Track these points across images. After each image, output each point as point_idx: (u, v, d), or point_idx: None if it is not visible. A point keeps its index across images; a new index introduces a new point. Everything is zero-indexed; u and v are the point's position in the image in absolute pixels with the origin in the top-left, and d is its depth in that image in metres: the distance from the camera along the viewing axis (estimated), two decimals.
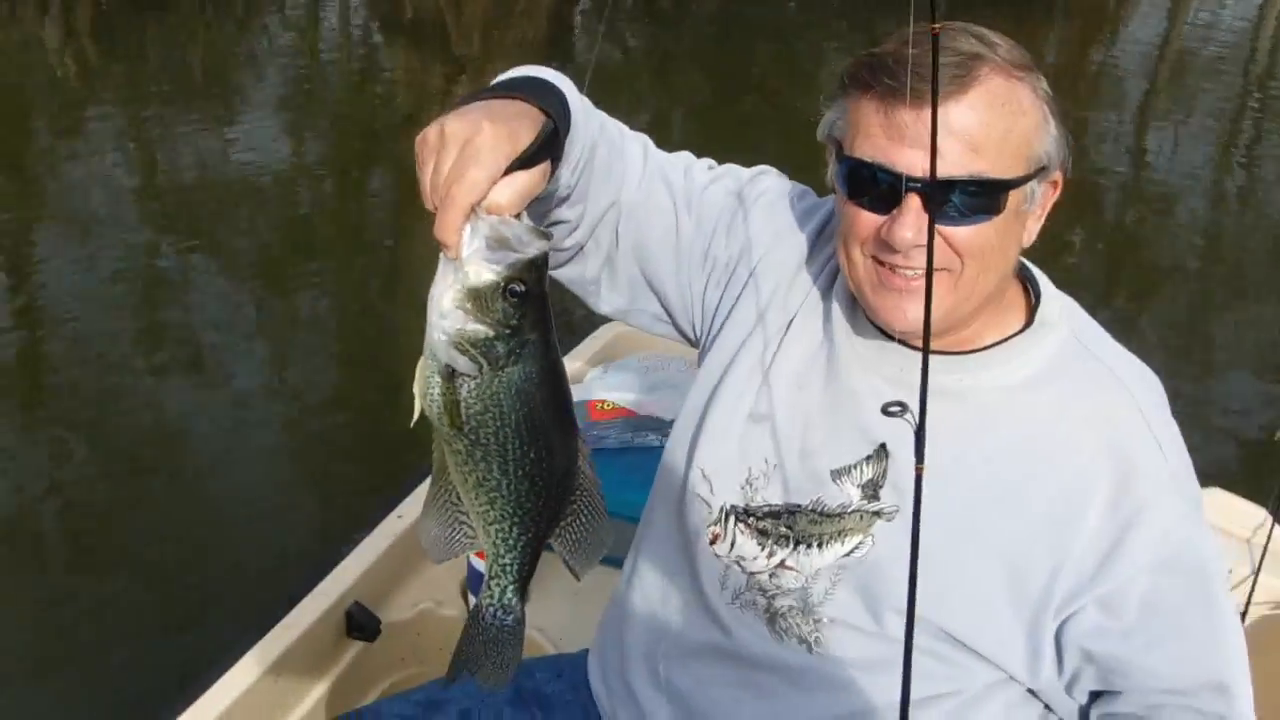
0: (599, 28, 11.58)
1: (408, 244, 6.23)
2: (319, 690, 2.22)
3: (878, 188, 1.30)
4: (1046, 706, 1.50)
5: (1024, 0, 13.46)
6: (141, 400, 4.74)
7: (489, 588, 1.24)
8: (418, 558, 2.47)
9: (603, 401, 2.73)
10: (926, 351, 1.18)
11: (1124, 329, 5.75)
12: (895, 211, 1.28)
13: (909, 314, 1.32)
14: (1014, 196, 1.29)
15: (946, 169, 1.24)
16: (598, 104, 1.41)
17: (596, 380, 2.82)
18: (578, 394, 2.72)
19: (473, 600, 2.44)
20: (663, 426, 2.70)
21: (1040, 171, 1.31)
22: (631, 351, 2.98)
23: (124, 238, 6.17)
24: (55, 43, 10.14)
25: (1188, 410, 4.96)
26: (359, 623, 2.26)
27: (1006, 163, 1.27)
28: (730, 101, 9.74)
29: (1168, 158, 9.10)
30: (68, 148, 7.51)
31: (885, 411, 1.20)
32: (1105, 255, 7.22)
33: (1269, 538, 2.41)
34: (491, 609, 1.25)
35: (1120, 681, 1.40)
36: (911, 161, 1.25)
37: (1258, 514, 2.59)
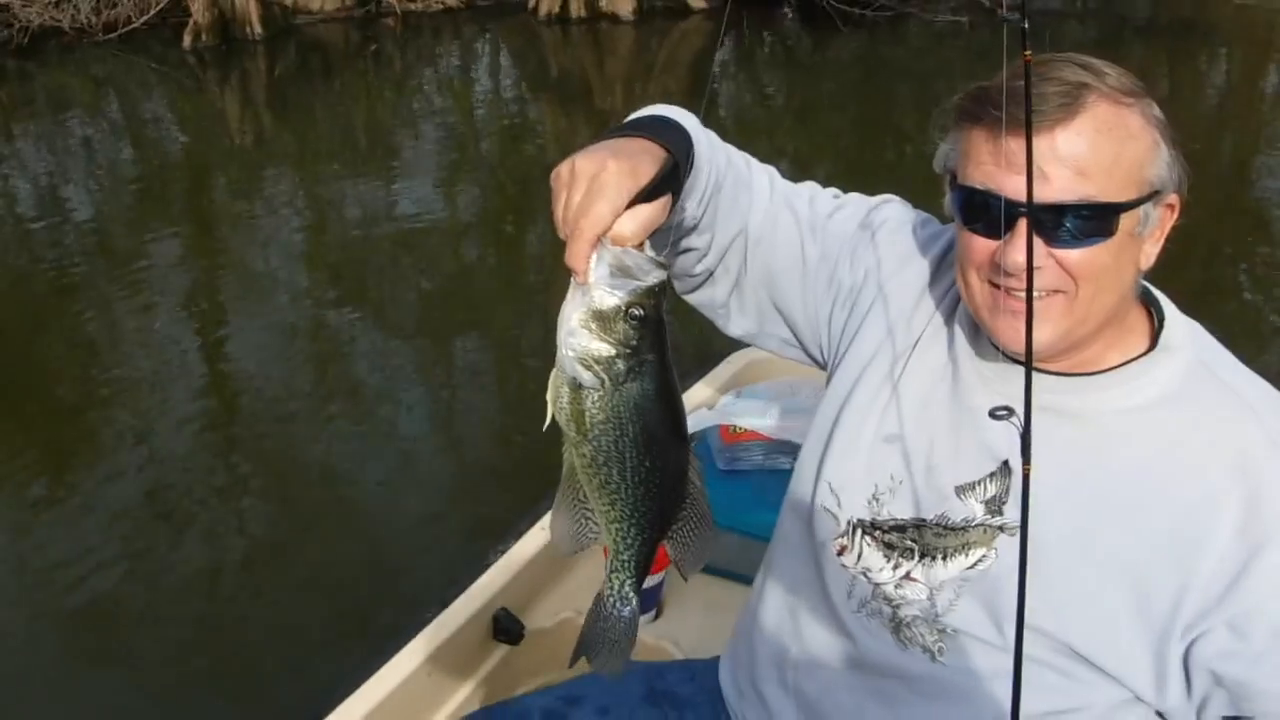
0: (716, 61, 11.70)
1: (557, 291, 6.43)
2: (467, 688, 2.36)
3: (989, 214, 1.33)
4: None
5: (1180, 32, 13.16)
6: (315, 443, 5.07)
7: (610, 580, 1.34)
8: (560, 569, 2.61)
9: (735, 426, 2.85)
10: (1029, 359, 1.22)
11: None
12: (1008, 236, 1.32)
13: (1022, 333, 1.33)
14: (1126, 220, 1.31)
15: (1056, 194, 1.28)
16: (739, 148, 1.51)
17: (729, 405, 2.90)
18: (711, 419, 2.81)
19: None
20: (794, 450, 2.76)
21: (1153, 195, 1.32)
22: (763, 378, 3.06)
23: (298, 293, 6.58)
24: (235, 111, 10.83)
25: None
26: (505, 627, 2.40)
27: (1117, 186, 1.29)
28: (871, 144, 9.76)
29: None
30: (246, 208, 8.03)
31: (992, 415, 1.25)
32: (1234, 281, 6.97)
33: None
34: (611, 599, 1.35)
35: (1249, 707, 1.38)
36: (1019, 187, 1.26)
37: None
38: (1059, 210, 1.29)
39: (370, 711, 2.12)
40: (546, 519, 2.59)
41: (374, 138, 9.98)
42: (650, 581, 2.46)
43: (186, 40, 12.42)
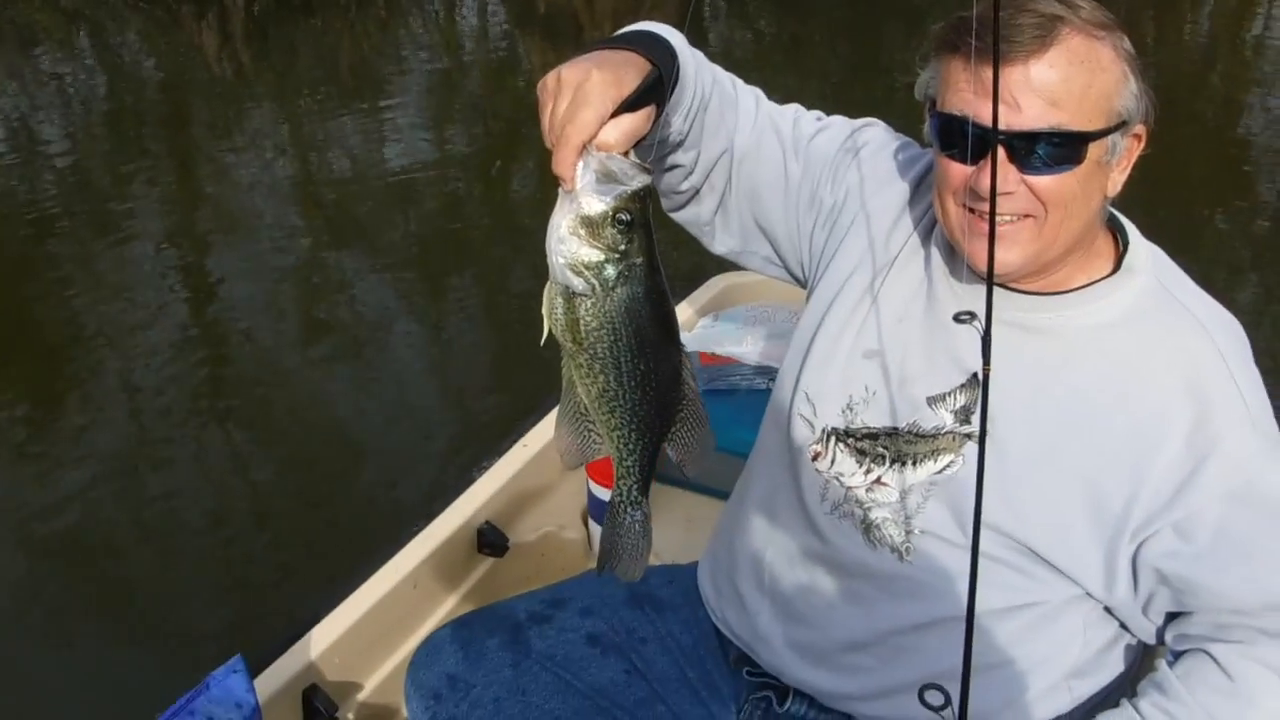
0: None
1: (546, 226, 6.44)
2: (453, 599, 2.43)
3: (964, 140, 1.39)
4: (1123, 626, 1.58)
5: None
6: (304, 373, 5.12)
7: (618, 488, 1.39)
8: (542, 484, 2.67)
9: (713, 348, 2.89)
10: (991, 270, 1.28)
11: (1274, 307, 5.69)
12: (982, 161, 1.38)
13: (998, 256, 1.40)
14: (1094, 149, 1.36)
15: (1028, 122, 1.33)
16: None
17: (706, 328, 2.95)
18: (689, 343, 2.87)
19: (593, 525, 2.64)
20: (770, 372, 2.83)
21: (1121, 125, 1.37)
22: (741, 301, 3.11)
23: (283, 232, 6.56)
24: (213, 48, 10.70)
25: None
26: (489, 540, 2.47)
27: (1086, 116, 1.34)
28: (861, 81, 9.70)
29: None
30: (228, 146, 7.97)
31: (956, 319, 1.31)
32: (1258, 236, 7.02)
33: None
34: (622, 505, 1.40)
35: (1191, 602, 1.48)
36: (994, 115, 1.31)
37: None
38: (1031, 138, 1.35)
39: (357, 621, 2.18)
40: (529, 436, 2.65)
41: (359, 75, 9.89)
42: None
43: None
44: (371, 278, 6.02)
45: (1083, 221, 1.42)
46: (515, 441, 2.64)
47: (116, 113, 9.02)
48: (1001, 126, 1.34)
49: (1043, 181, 1.36)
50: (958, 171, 1.42)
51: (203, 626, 3.53)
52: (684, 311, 3.11)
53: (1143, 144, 1.43)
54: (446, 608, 2.41)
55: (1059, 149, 1.35)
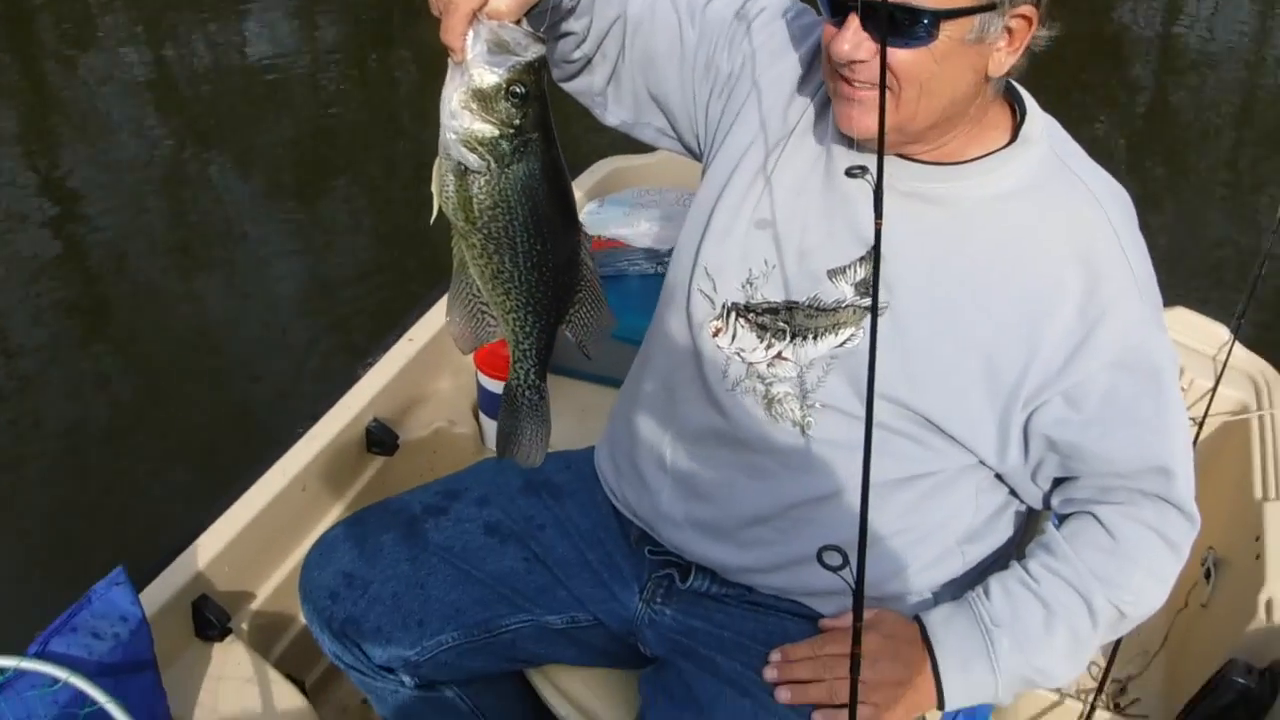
0: None
1: (427, 119, 6.27)
2: (345, 501, 2.38)
3: (829, 6, 1.39)
4: (1012, 492, 1.63)
5: None
6: (173, 283, 4.90)
7: (515, 371, 1.36)
8: (430, 379, 2.63)
9: (599, 233, 2.85)
10: (882, 123, 1.24)
11: (1155, 191, 5.83)
12: (842, 28, 1.36)
13: (857, 121, 1.41)
14: (953, 27, 1.33)
15: None
16: None
17: (593, 213, 2.91)
18: None
19: (484, 419, 2.61)
20: (657, 256, 2.81)
21: (989, 7, 1.33)
22: (626, 185, 3.08)
23: (143, 135, 6.23)
24: None
25: (1200, 255, 5.08)
26: (378, 438, 2.41)
27: None
28: None
29: (1205, 20, 8.89)
30: (74, 47, 7.53)
31: (847, 173, 1.28)
32: (1139, 120, 7.17)
33: (1229, 353, 2.57)
34: (519, 388, 1.37)
35: (1078, 466, 1.52)
36: None
37: (1222, 332, 2.80)
38: (878, 8, 1.32)
39: (245, 528, 2.12)
40: (413, 330, 2.60)
41: None
42: None
43: None
44: (239, 177, 5.79)
45: (946, 99, 1.40)
46: (400, 336, 2.58)
47: None
48: None
49: (896, 55, 1.34)
50: (829, 32, 1.41)
51: (84, 543, 3.42)
52: None
53: (1033, 25, 1.39)
54: (337, 510, 2.36)
55: (907, 25, 1.33)
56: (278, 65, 7.12)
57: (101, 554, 3.19)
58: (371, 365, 2.49)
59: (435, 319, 2.63)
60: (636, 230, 2.88)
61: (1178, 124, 7.06)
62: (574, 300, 1.31)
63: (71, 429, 4.02)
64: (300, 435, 2.31)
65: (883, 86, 1.24)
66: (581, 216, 2.89)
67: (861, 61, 1.36)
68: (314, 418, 2.35)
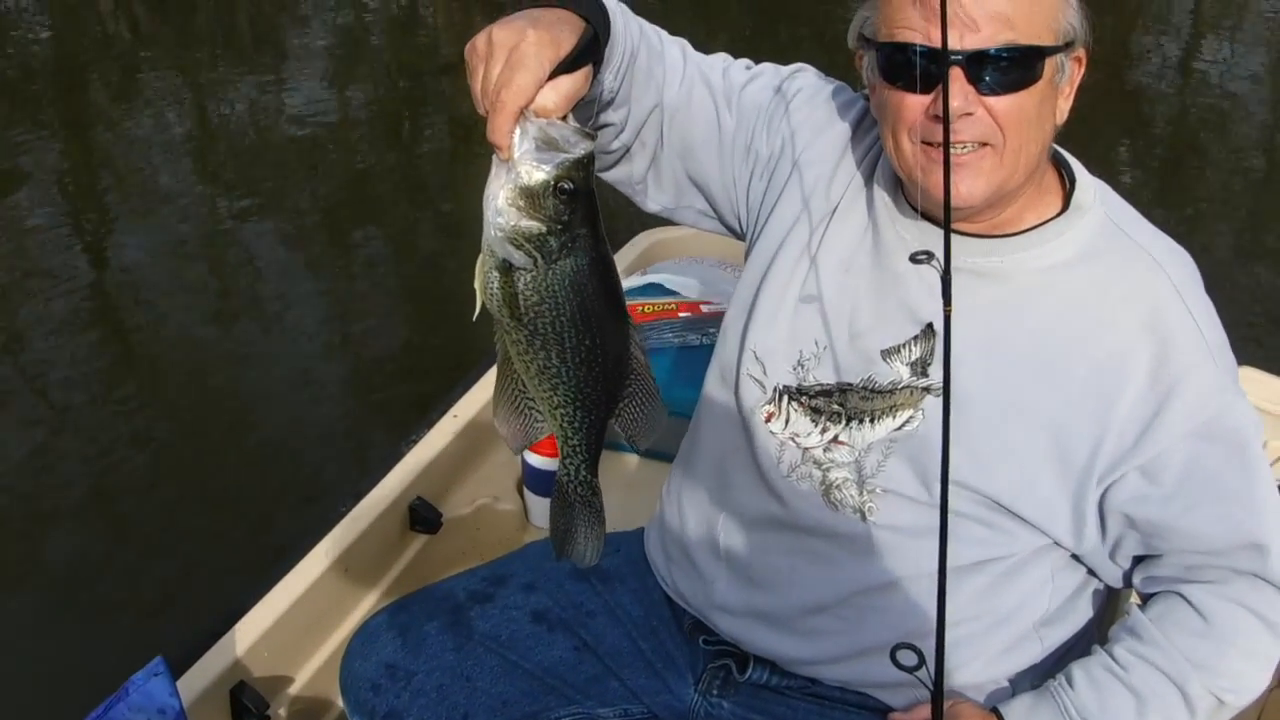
0: None
1: (458, 185, 6.35)
2: (387, 580, 2.35)
3: (914, 68, 1.33)
4: (1090, 571, 1.57)
5: None
6: (211, 344, 4.92)
7: (565, 467, 1.33)
8: (475, 455, 2.60)
9: (643, 305, 2.82)
10: (948, 201, 1.23)
11: (1182, 238, 5.76)
12: (938, 88, 1.32)
13: (961, 188, 1.35)
14: (1048, 66, 1.33)
15: (982, 42, 1.30)
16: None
17: (635, 286, 2.90)
18: None
19: (529, 495, 2.56)
20: (702, 325, 2.78)
21: (1068, 45, 1.35)
22: (668, 256, 3.08)
23: (185, 196, 6.31)
24: (107, 4, 10.29)
25: (1245, 302, 4.99)
26: (421, 516, 2.39)
27: (1038, 31, 1.32)
28: (768, 32, 9.69)
29: (1221, 67, 8.89)
30: (125, 109, 7.66)
31: (913, 259, 1.26)
32: (1160, 168, 7.14)
33: None
34: (570, 485, 1.34)
35: (1160, 544, 1.47)
36: (947, 38, 1.27)
37: None
38: (987, 56, 1.30)
39: (285, 612, 2.10)
40: (458, 406, 2.57)
41: (259, 32, 9.59)
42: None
43: None
44: (277, 241, 5.83)
45: (1039, 148, 1.39)
46: (444, 413, 2.55)
47: (5, 74, 8.61)
48: (956, 47, 1.29)
49: (1001, 103, 1.32)
50: (912, 104, 1.36)
51: (119, 625, 3.38)
52: None
53: (1083, 67, 1.40)
54: (380, 591, 2.33)
55: (1016, 65, 1.31)
56: (315, 128, 7.22)
57: (139, 635, 3.18)
58: (415, 442, 2.47)
59: (479, 395, 2.60)
60: (680, 299, 2.86)
61: (1210, 176, 7.00)
62: (625, 394, 1.28)
63: (107, 500, 4.00)
64: (343, 514, 2.28)
65: (947, 160, 1.21)
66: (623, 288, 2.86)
67: (968, 116, 1.32)
68: (357, 495, 2.32)
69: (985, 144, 1.35)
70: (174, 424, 4.42)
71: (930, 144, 1.37)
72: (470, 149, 7.10)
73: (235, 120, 7.58)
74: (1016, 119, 1.34)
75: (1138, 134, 7.41)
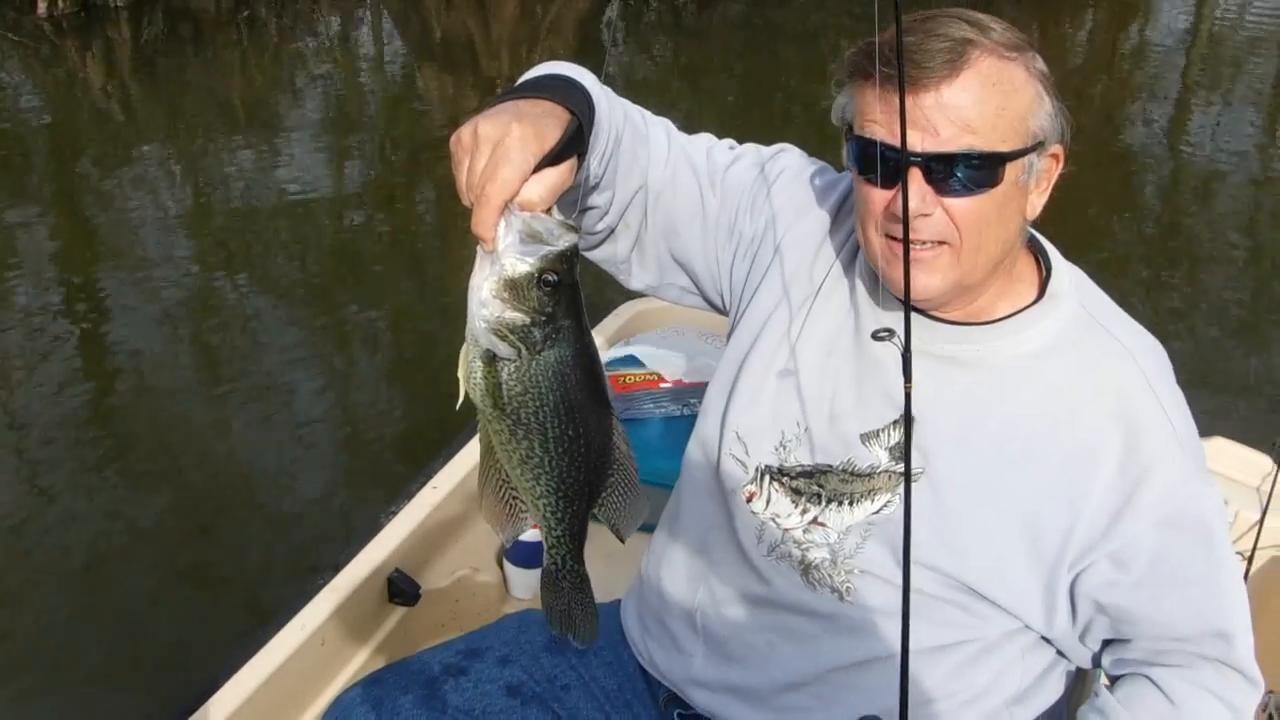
0: (615, 20, 11.68)
1: (449, 258, 6.42)
2: (365, 653, 2.33)
3: (882, 165, 1.36)
4: (1059, 652, 1.58)
5: None
6: (198, 419, 4.89)
7: (551, 557, 1.33)
8: (454, 527, 2.59)
9: (624, 376, 2.84)
10: (907, 279, 1.25)
11: (1170, 313, 5.84)
12: (899, 185, 1.33)
13: (918, 283, 1.37)
14: (1011, 169, 1.35)
15: (944, 145, 1.32)
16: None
17: (617, 357, 2.92)
18: None
19: (508, 566, 2.56)
20: (683, 396, 2.81)
21: (1037, 146, 1.36)
22: (650, 328, 3.09)
23: (178, 269, 6.33)
24: (99, 80, 10.39)
25: (1224, 380, 5.05)
26: (400, 588, 2.37)
27: (1001, 137, 1.33)
28: (759, 103, 9.83)
29: (1208, 141, 9.02)
30: (117, 184, 7.71)
31: (874, 337, 1.29)
32: (1149, 242, 7.22)
33: (1274, 482, 2.48)
34: (557, 573, 1.35)
35: (1129, 630, 1.49)
36: (911, 140, 1.30)
37: (1265, 461, 2.69)
38: (947, 160, 1.33)
39: (262, 684, 2.07)
40: (438, 478, 2.57)
41: (252, 108, 9.66)
42: (536, 537, 2.44)
43: (41, 7, 11.74)
44: (267, 314, 5.84)
45: (1001, 246, 1.41)
46: (423, 484, 2.55)
47: None
48: (918, 149, 1.32)
49: (960, 205, 1.34)
50: (878, 198, 1.39)
51: (95, 693, 3.35)
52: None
53: (1060, 164, 1.42)
54: (357, 663, 2.31)
55: (976, 171, 1.33)
56: (308, 200, 7.28)
57: (120, 705, 3.14)
58: (394, 513, 2.46)
59: (459, 466, 2.60)
60: (662, 370, 2.88)
61: (1191, 247, 7.08)
62: (606, 485, 1.28)
63: (92, 571, 3.97)
64: (321, 585, 2.26)
65: (906, 244, 1.23)
66: (604, 360, 2.88)
67: (925, 216, 1.35)
68: (336, 567, 2.31)
69: (943, 242, 1.37)
70: (162, 496, 4.40)
71: (892, 238, 1.39)
72: (463, 223, 7.15)
73: (227, 192, 7.63)
74: (974, 221, 1.36)
75: (1124, 205, 7.51)
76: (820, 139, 1.60)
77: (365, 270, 6.47)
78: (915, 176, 1.33)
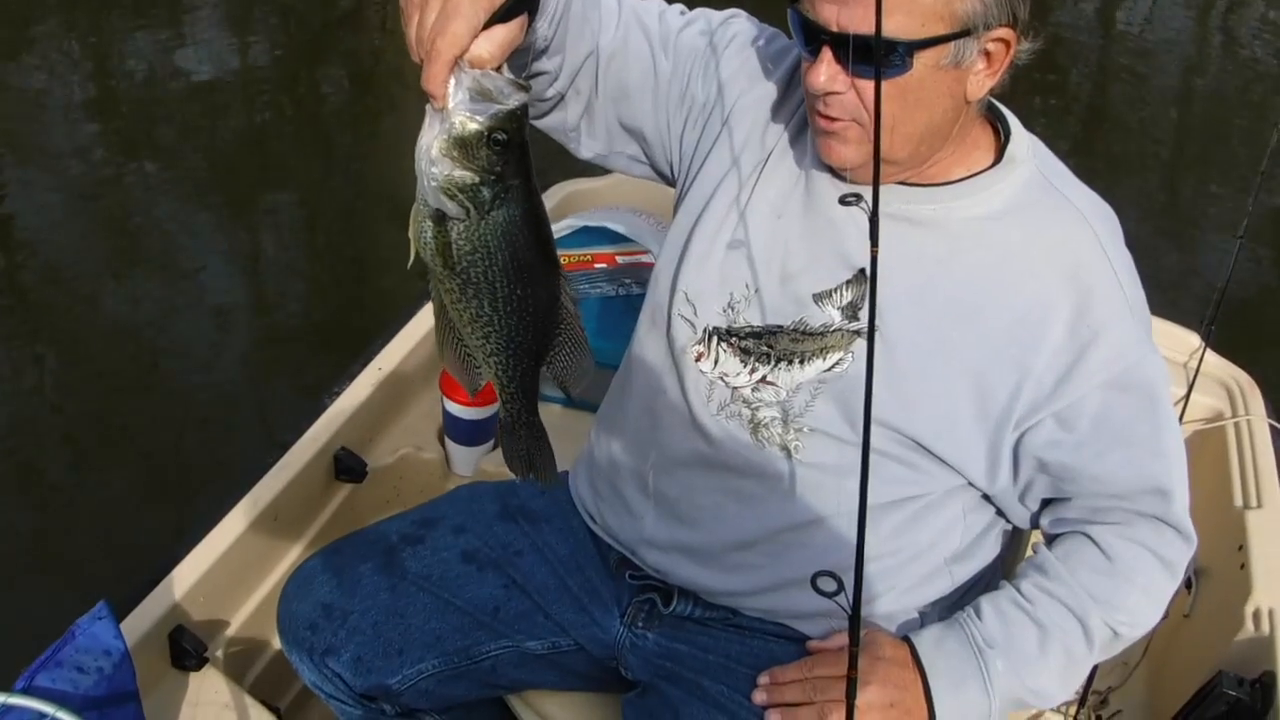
0: None
1: (360, 135, 6.36)
2: (314, 528, 2.38)
3: (807, 40, 1.39)
4: (999, 512, 1.64)
5: None
6: (119, 306, 4.83)
7: (506, 410, 1.37)
8: (396, 405, 2.63)
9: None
10: (877, 144, 1.24)
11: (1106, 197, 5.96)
12: (816, 60, 1.38)
13: (836, 152, 1.43)
14: (928, 55, 1.33)
15: (851, 26, 1.32)
16: None
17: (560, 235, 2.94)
18: None
19: (450, 444, 2.62)
20: (618, 276, 2.84)
21: (966, 33, 1.33)
22: (582, 208, 3.10)
23: (81, 152, 6.12)
24: None
25: (1154, 265, 5.20)
26: (347, 465, 2.42)
27: (918, 23, 1.31)
28: None
29: (1140, 24, 9.11)
30: (10, 65, 7.40)
31: (842, 201, 1.30)
32: (1078, 124, 7.32)
33: (1200, 360, 2.60)
34: (513, 424, 1.39)
35: (1070, 488, 1.53)
36: (828, 15, 1.32)
37: (1193, 339, 2.82)
38: (851, 40, 1.32)
39: (219, 558, 2.12)
40: (380, 358, 2.60)
41: None
42: (484, 414, 2.50)
43: None
44: (182, 200, 5.68)
45: (921, 127, 1.42)
46: (365, 365, 2.58)
47: None
48: (832, 26, 1.34)
49: (867, 87, 1.34)
50: (804, 66, 1.42)
51: (58, 574, 3.38)
52: None
53: (1012, 48, 1.40)
54: (309, 537, 2.36)
55: (881, 55, 1.31)
56: (214, 82, 7.06)
57: (77, 584, 3.19)
58: (337, 394, 2.49)
59: (400, 346, 2.63)
60: (595, 250, 2.91)
61: (1119, 129, 7.23)
62: (555, 342, 1.31)
63: (25, 463, 3.95)
64: (270, 464, 2.30)
65: (877, 117, 1.24)
66: None
67: (836, 94, 1.38)
68: (283, 446, 2.34)
69: (853, 119, 1.40)
70: (83, 384, 4.35)
71: (815, 111, 1.43)
72: (373, 104, 7.03)
73: (131, 73, 7.34)
74: (882, 103, 1.34)
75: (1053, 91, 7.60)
76: (764, 7, 1.61)
77: (277, 154, 6.34)
78: (826, 54, 1.36)
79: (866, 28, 1.29)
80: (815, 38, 1.37)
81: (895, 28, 1.31)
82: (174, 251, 5.26)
